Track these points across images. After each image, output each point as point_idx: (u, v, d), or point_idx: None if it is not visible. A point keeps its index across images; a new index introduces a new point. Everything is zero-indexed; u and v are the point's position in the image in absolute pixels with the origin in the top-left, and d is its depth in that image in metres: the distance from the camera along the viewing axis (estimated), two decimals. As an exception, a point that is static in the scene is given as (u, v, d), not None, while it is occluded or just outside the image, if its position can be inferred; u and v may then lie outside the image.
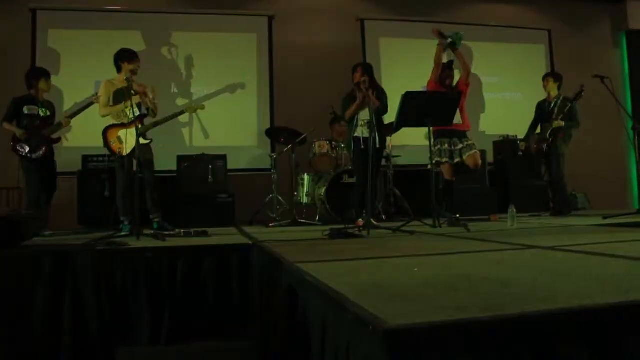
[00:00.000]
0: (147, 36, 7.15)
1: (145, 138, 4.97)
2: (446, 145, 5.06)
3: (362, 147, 4.96)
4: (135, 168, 4.79)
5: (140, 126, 4.74)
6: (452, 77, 5.26)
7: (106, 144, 4.94)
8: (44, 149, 5.11)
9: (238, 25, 7.48)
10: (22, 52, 6.76)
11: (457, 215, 4.87)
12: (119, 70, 5.05)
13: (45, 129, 5.18)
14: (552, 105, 6.03)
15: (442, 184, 5.26)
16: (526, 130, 6.31)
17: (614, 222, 4.55)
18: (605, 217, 4.85)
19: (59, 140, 5.39)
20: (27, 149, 5.05)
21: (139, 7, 7.20)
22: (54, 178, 5.37)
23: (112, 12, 7.09)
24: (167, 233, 4.38)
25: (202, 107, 5.54)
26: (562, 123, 5.85)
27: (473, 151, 5.04)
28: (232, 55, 7.38)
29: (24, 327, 2.95)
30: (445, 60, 5.25)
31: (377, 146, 4.90)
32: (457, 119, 5.00)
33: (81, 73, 5.98)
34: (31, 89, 5.24)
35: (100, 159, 5.99)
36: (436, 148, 5.05)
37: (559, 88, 6.13)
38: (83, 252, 3.19)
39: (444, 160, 5.07)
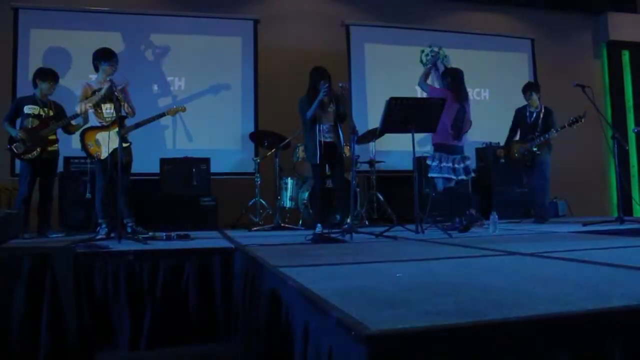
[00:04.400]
0: (130, 37, 7.08)
1: (125, 141, 4.91)
2: (450, 163, 5.02)
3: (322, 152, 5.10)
4: (116, 170, 4.70)
5: (119, 128, 4.65)
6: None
7: (83, 147, 4.88)
8: (38, 149, 5.05)
9: (223, 29, 7.45)
10: (3, 51, 6.66)
11: (473, 212, 4.98)
12: (96, 69, 5.00)
13: (44, 129, 5.10)
14: (535, 116, 6.06)
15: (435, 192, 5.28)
16: (505, 137, 6.36)
17: (594, 229, 4.61)
18: (585, 224, 4.91)
19: (53, 141, 5.22)
20: (21, 149, 5.00)
21: (123, 8, 7.14)
22: (50, 183, 5.31)
23: (96, 13, 7.02)
24: (144, 236, 4.36)
25: (183, 109, 5.48)
26: (555, 135, 5.84)
27: (467, 177, 5.08)
28: (217, 58, 7.35)
29: (1, 330, 2.90)
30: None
31: (341, 150, 5.23)
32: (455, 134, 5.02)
33: (61, 73, 5.89)
34: (35, 88, 5.24)
35: (82, 161, 5.91)
36: (436, 164, 5.05)
37: (539, 98, 6.18)
38: (63, 254, 3.15)
39: (446, 175, 5.02)
